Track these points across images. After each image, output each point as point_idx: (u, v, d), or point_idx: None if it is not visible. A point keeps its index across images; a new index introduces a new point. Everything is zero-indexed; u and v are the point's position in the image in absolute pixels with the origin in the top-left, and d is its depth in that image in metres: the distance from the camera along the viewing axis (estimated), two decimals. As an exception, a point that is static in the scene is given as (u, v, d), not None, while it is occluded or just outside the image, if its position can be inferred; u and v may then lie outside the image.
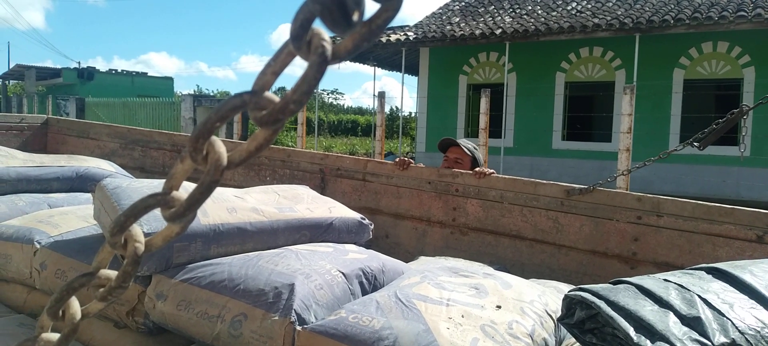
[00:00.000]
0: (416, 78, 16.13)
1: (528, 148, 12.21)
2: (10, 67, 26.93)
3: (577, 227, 2.59)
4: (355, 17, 0.36)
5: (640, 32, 10.26)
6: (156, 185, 1.86)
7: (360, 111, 33.66)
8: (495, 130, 10.62)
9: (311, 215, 1.96)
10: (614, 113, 11.02)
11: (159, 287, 1.56)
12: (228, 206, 1.80)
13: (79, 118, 15.30)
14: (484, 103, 8.08)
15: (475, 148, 3.26)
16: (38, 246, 1.87)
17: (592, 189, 2.57)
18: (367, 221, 2.21)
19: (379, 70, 16.64)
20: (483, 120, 8.01)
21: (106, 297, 0.52)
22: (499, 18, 12.67)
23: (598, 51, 11.67)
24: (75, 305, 0.53)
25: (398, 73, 18.76)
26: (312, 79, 0.38)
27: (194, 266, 1.59)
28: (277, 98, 0.40)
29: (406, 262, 2.15)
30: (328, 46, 0.37)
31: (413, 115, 23.16)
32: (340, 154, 3.64)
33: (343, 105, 39.15)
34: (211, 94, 31.66)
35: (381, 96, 10.19)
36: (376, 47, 13.80)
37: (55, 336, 0.54)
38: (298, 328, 1.35)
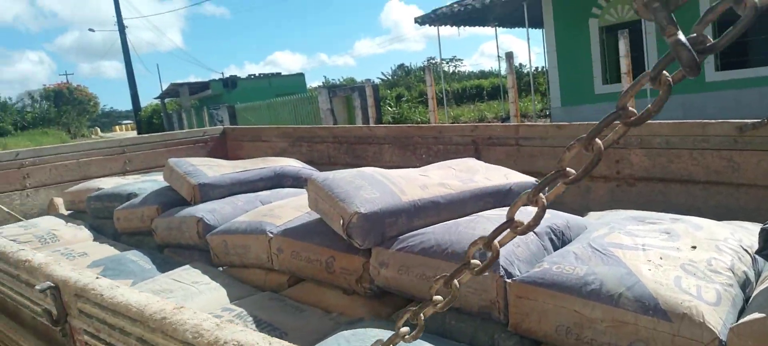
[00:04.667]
0: (539, 31, 15.54)
1: (677, 86, 11.26)
2: (165, 87, 30.55)
3: (754, 163, 2.50)
4: None
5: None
6: (355, 173, 2.18)
7: (483, 75, 33.07)
8: (636, 73, 9.98)
9: (490, 183, 2.17)
10: (777, 31, 9.78)
11: (380, 257, 1.88)
12: (419, 183, 2.07)
13: (232, 123, 17.00)
14: (623, 46, 7.67)
15: None
16: (271, 235, 2.30)
17: (767, 122, 2.46)
18: (541, 183, 2.36)
19: (498, 29, 16.31)
20: (624, 64, 7.61)
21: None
22: (628, -50, 11.75)
23: (750, -36, 10.38)
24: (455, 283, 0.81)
25: (516, 29, 18.17)
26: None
27: (404, 237, 1.88)
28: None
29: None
30: None
31: (539, 70, 22.32)
32: (490, 123, 3.77)
33: (464, 72, 38.70)
34: (338, 83, 33.16)
35: (509, 56, 10.06)
36: (495, 6, 13.55)
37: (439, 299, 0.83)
38: (508, 280, 1.57)
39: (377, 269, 1.88)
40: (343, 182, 2.09)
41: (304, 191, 3.12)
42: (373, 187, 2.02)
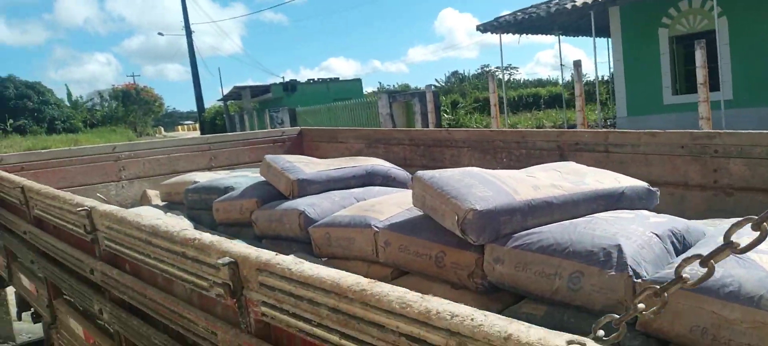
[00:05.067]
0: (604, 39, 15.18)
1: (753, 98, 10.80)
2: (227, 90, 31.63)
3: None
4: None
5: None
6: (463, 172, 2.24)
7: (540, 83, 32.56)
8: (712, 83, 9.63)
9: (602, 186, 2.18)
10: None
11: (494, 254, 1.93)
12: (531, 184, 2.10)
13: (292, 126, 17.42)
14: (699, 56, 7.42)
15: None
16: (377, 229, 2.39)
17: None
18: (655, 189, 2.35)
19: (553, 38, 16.02)
20: (701, 74, 7.36)
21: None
22: (704, -42, 11.36)
23: (839, -28, 9.85)
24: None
25: (578, 37, 17.78)
26: None
27: (520, 235, 1.91)
28: None
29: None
30: None
31: (600, 79, 21.77)
32: (576, 130, 3.74)
33: (519, 79, 38.20)
34: (392, 89, 33.44)
35: (577, 65, 9.90)
36: (560, 14, 13.36)
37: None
38: (638, 280, 1.59)
39: (492, 266, 1.92)
40: (452, 179, 2.15)
41: (395, 189, 3.21)
42: (484, 186, 2.07)
